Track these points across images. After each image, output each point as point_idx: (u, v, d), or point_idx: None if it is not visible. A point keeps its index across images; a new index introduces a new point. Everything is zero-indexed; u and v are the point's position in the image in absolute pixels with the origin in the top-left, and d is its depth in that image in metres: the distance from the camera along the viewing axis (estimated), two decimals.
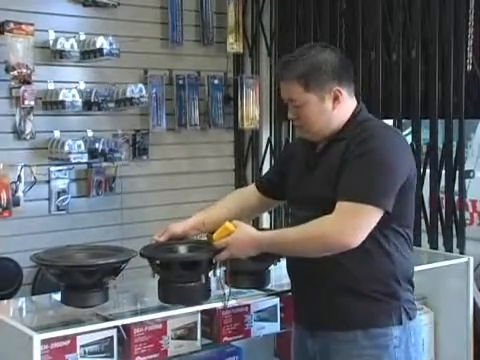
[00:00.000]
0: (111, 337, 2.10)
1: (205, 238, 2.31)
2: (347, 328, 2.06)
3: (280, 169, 2.37)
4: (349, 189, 1.97)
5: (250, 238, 2.09)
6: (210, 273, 2.20)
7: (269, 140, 4.31)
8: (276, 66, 2.23)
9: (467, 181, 3.77)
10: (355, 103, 2.16)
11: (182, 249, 2.25)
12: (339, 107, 2.10)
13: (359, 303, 2.05)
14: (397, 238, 2.07)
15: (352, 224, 1.95)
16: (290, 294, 2.35)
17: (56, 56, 3.58)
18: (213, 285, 2.25)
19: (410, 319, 2.10)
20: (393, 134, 2.12)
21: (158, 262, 2.17)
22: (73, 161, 3.59)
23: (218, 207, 2.41)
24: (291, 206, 2.31)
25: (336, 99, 2.09)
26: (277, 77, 2.20)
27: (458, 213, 3.31)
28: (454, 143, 3.33)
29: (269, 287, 2.43)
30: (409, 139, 3.49)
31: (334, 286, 2.06)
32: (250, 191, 2.44)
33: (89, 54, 3.61)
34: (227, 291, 2.21)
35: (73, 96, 3.55)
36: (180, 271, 2.12)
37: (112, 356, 2.10)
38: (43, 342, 1.95)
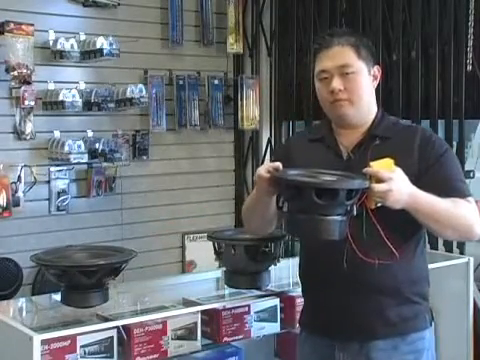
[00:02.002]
0: (111, 337, 2.10)
1: None
2: (389, 335, 1.99)
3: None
4: (462, 186, 2.00)
5: (410, 187, 1.86)
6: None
7: (269, 140, 4.31)
8: (316, 41, 2.05)
9: (467, 181, 3.76)
10: None
11: (330, 176, 1.89)
12: (373, 89, 2.06)
13: (402, 307, 2.00)
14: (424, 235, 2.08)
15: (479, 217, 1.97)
16: (293, 295, 2.34)
17: (56, 56, 3.58)
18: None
19: (433, 320, 2.11)
20: None
21: (313, 188, 1.79)
22: (73, 161, 3.59)
23: None
24: None
25: (375, 78, 2.06)
26: (320, 48, 2.04)
27: None
28: (454, 143, 3.33)
29: (269, 287, 2.43)
30: None
31: (379, 291, 1.97)
32: None
33: (89, 54, 3.61)
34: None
35: (73, 96, 3.56)
36: (343, 199, 1.80)
37: (112, 356, 2.10)
38: (43, 342, 1.95)
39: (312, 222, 1.83)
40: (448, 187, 1.96)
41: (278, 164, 1.91)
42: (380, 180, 1.81)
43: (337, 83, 1.99)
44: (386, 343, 1.99)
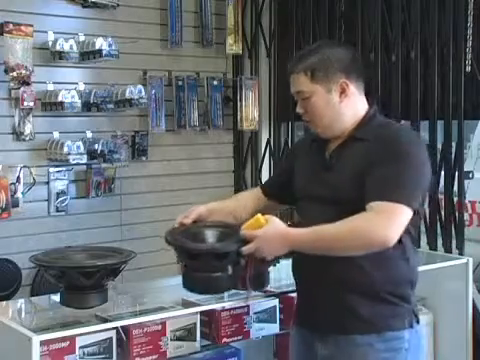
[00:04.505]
0: (110, 338, 2.10)
1: None
2: (364, 331, 2.03)
3: (285, 169, 2.35)
4: (384, 189, 1.95)
5: (280, 235, 2.00)
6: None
7: (268, 141, 4.30)
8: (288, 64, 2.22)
9: (466, 182, 3.76)
10: (366, 103, 2.15)
11: (210, 236, 2.15)
12: (347, 101, 2.08)
13: (376, 306, 2.03)
14: (410, 240, 2.08)
15: (390, 222, 1.93)
16: (292, 295, 2.34)
17: (55, 57, 3.58)
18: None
19: (418, 322, 2.11)
20: (418, 137, 2.19)
21: (184, 251, 2.08)
22: (72, 162, 3.59)
23: (241, 200, 2.39)
24: (303, 205, 2.21)
25: (343, 92, 2.07)
26: (288, 73, 2.17)
27: (457, 214, 3.31)
28: (453, 144, 3.33)
29: (268, 288, 2.43)
30: None
31: (352, 289, 2.03)
32: (258, 194, 2.40)
33: (88, 55, 3.61)
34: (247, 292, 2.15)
35: (72, 97, 3.56)
36: (207, 261, 2.03)
37: (111, 357, 2.10)
38: (42, 343, 1.95)
39: (191, 278, 2.10)
40: (377, 189, 1.95)
41: (180, 220, 2.23)
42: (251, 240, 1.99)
43: (299, 107, 2.14)
44: (362, 338, 2.03)
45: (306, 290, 2.16)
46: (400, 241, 2.01)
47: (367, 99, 2.17)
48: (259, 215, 2.04)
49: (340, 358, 2.06)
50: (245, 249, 2.00)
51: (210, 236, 2.15)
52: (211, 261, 2.03)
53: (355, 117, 2.11)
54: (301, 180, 2.20)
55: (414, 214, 1.99)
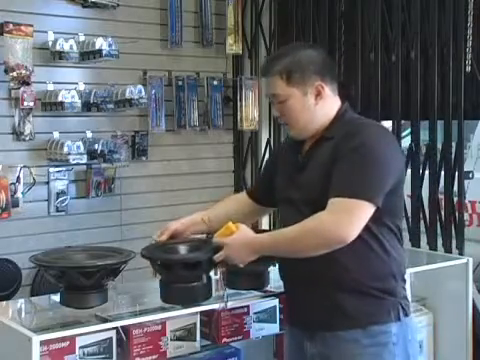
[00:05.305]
0: (110, 338, 2.09)
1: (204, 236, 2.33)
2: (348, 327, 2.05)
3: (268, 172, 2.40)
4: (342, 185, 1.97)
5: (247, 243, 2.07)
6: (212, 273, 2.21)
7: (268, 141, 4.30)
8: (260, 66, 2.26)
9: (466, 182, 3.77)
10: (339, 102, 2.17)
11: (183, 249, 2.23)
12: (322, 103, 2.11)
13: (359, 301, 2.05)
14: (390, 234, 2.09)
15: (346, 219, 1.95)
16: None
17: (55, 57, 3.58)
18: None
19: (406, 315, 2.12)
20: (382, 131, 2.17)
21: (158, 263, 2.17)
22: (72, 162, 3.59)
23: (220, 207, 2.43)
24: (281, 207, 2.28)
25: (318, 94, 2.10)
26: (261, 75, 2.26)
27: (457, 214, 3.32)
28: (453, 144, 3.33)
29: (268, 288, 2.43)
30: (408, 140, 3.50)
31: (334, 285, 2.05)
32: (243, 198, 2.45)
33: (88, 55, 3.61)
34: (224, 293, 2.22)
35: (72, 97, 3.56)
36: (180, 271, 2.11)
37: (111, 357, 2.09)
38: (42, 343, 1.95)
39: (167, 290, 2.18)
40: (337, 184, 1.97)
41: (156, 237, 2.27)
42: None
43: (274, 110, 2.18)
44: (347, 334, 2.05)
45: (293, 290, 2.20)
46: (377, 237, 2.05)
47: (340, 98, 2.18)
48: (230, 223, 2.10)
49: (328, 355, 2.08)
50: (216, 257, 2.08)
51: (183, 249, 2.23)
52: (184, 271, 2.11)
53: (328, 117, 2.13)
54: (279, 182, 2.24)
55: (392, 207, 2.04)
